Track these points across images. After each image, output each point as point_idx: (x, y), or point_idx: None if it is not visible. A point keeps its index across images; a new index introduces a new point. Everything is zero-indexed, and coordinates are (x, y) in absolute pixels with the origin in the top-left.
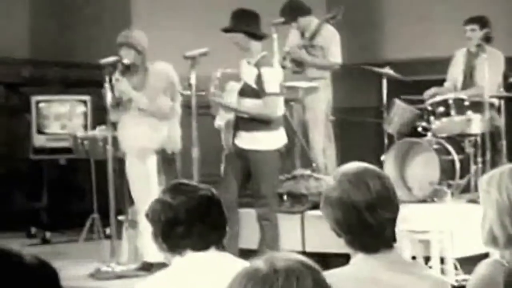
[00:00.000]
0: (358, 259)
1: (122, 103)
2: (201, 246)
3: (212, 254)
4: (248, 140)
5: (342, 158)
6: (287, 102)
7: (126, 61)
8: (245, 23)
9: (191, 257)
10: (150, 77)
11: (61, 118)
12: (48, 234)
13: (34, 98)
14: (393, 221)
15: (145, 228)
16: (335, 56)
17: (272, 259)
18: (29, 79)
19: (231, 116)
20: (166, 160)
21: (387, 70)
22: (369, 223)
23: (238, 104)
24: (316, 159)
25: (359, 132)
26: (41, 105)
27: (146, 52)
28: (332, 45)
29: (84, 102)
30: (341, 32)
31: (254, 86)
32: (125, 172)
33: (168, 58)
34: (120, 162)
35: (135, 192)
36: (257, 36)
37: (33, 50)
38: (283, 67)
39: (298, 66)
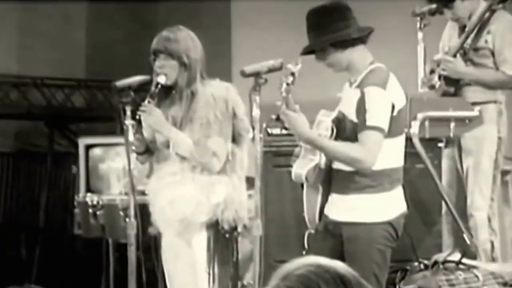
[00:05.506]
0: None
1: (154, 147)
2: None
3: None
4: (342, 208)
5: None
6: (433, 142)
7: (162, 79)
8: (330, 29)
9: None
10: (198, 106)
11: (121, 171)
12: None
13: (82, 142)
14: None
15: None
16: None
17: None
18: (83, 111)
19: (320, 161)
20: (221, 239)
21: None
22: None
23: (324, 141)
24: (475, 235)
25: None
26: (94, 151)
27: (199, 67)
28: (507, 46)
29: None
30: None
31: (353, 118)
32: (160, 257)
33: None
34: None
35: (174, 285)
36: (355, 39)
37: (90, 70)
38: (432, 86)
39: (451, 84)
